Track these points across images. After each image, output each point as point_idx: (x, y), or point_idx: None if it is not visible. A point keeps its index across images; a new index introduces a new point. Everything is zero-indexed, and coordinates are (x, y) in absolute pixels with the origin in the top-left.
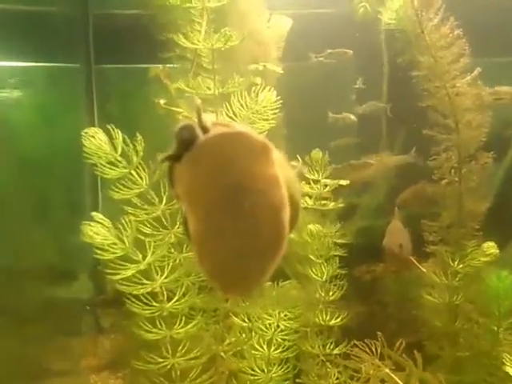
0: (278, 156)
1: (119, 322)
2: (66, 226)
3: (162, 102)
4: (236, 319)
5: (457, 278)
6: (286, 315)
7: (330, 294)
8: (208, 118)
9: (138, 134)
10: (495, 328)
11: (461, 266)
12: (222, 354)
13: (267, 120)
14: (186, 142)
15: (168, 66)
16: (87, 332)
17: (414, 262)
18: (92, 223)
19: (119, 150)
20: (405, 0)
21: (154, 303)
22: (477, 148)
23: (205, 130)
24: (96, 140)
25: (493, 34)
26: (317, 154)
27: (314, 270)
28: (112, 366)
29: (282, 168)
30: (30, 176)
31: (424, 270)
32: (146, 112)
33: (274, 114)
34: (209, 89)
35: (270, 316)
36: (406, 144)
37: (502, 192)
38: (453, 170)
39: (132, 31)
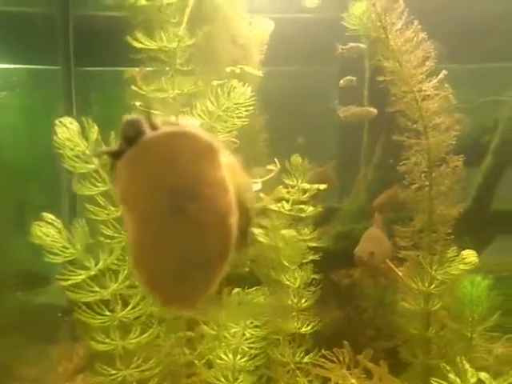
0: (230, 159)
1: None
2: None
3: (137, 103)
4: (201, 328)
5: (433, 285)
6: (252, 323)
7: (303, 301)
8: (158, 117)
9: (112, 133)
10: (468, 334)
11: (438, 272)
12: (186, 363)
13: (240, 118)
14: (131, 138)
15: (147, 68)
16: (62, 338)
17: (392, 267)
18: (42, 224)
19: (90, 143)
20: (367, 5)
21: (106, 312)
22: (447, 152)
23: (153, 127)
24: (69, 131)
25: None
26: (296, 158)
27: (286, 276)
28: (86, 372)
29: (233, 172)
30: (7, 179)
31: (401, 275)
32: (125, 114)
33: (247, 111)
34: (181, 90)
35: (236, 324)
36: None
37: (480, 196)
38: (423, 175)
39: (112, 33)
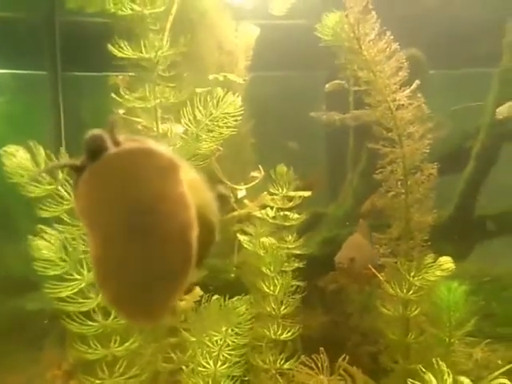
0: (192, 175)
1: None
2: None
3: (121, 111)
4: (181, 335)
5: (411, 291)
6: (233, 330)
7: (282, 308)
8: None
9: (61, 149)
10: (446, 339)
11: (416, 278)
12: (168, 370)
13: (228, 127)
14: (94, 153)
15: (132, 74)
16: (51, 344)
17: (375, 273)
18: (38, 237)
19: (41, 165)
20: (340, 16)
21: (90, 322)
22: (421, 160)
23: (116, 143)
24: (17, 159)
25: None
26: (281, 168)
27: (266, 283)
28: (75, 379)
29: (195, 188)
30: None
31: (382, 279)
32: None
33: (235, 120)
34: (166, 98)
35: (217, 332)
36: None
37: (463, 202)
38: (399, 183)
39: (99, 39)
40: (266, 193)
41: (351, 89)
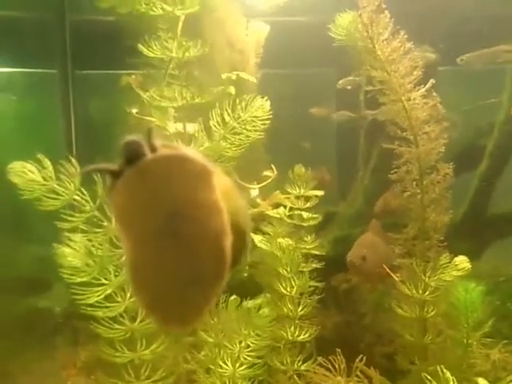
0: (225, 181)
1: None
2: (41, 235)
3: (134, 111)
4: (202, 336)
5: (427, 292)
6: (253, 331)
7: (299, 309)
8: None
9: (70, 157)
10: (464, 340)
11: (432, 279)
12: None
13: (256, 131)
14: (131, 158)
15: (144, 72)
16: (64, 343)
17: (389, 273)
18: (65, 245)
19: (52, 180)
20: (354, 16)
21: (116, 325)
22: (437, 159)
23: (153, 149)
24: (27, 175)
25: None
26: (299, 169)
27: (283, 284)
28: (89, 378)
29: (228, 194)
30: (4, 183)
31: (397, 279)
32: (122, 118)
33: (264, 124)
34: (185, 99)
35: (238, 334)
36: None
37: (477, 201)
38: (414, 183)
39: (110, 37)
40: (278, 192)
41: (363, 87)
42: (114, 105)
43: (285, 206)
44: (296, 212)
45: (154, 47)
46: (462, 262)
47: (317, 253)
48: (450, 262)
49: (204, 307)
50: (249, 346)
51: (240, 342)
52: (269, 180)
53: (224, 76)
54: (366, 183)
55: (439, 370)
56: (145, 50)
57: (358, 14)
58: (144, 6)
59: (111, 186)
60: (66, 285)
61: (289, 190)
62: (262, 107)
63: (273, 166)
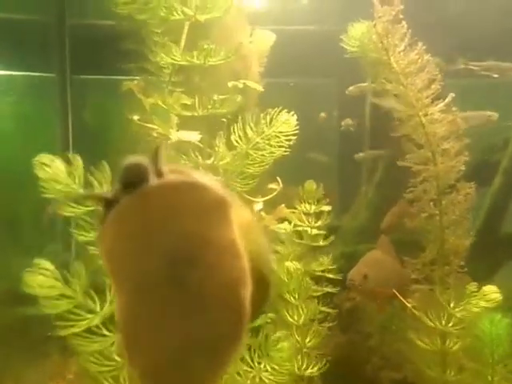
0: (245, 216)
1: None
2: (35, 243)
3: (135, 117)
4: None
5: (451, 323)
6: (270, 365)
7: (307, 340)
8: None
9: (103, 162)
10: (489, 377)
11: (457, 309)
12: None
13: (281, 147)
14: (130, 184)
15: (146, 78)
16: (53, 354)
17: (396, 294)
18: (35, 273)
19: (79, 181)
20: (367, 26)
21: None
22: (457, 178)
23: (159, 174)
24: (52, 169)
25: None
26: (310, 185)
27: (289, 311)
28: None
29: (249, 232)
30: (1, 188)
31: (408, 305)
32: (121, 125)
33: (289, 140)
34: (194, 109)
35: (251, 367)
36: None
37: (490, 219)
38: (432, 203)
39: (109, 42)
40: (283, 205)
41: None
42: (112, 110)
43: (290, 222)
44: (304, 229)
45: (173, 53)
46: (492, 291)
47: (331, 276)
48: (477, 292)
49: (213, 377)
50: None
51: (253, 377)
52: (274, 193)
53: (230, 84)
54: (370, 197)
55: None
56: (160, 55)
57: (373, 25)
58: (164, 10)
59: (103, 219)
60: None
61: (297, 205)
62: (287, 122)
63: (278, 178)
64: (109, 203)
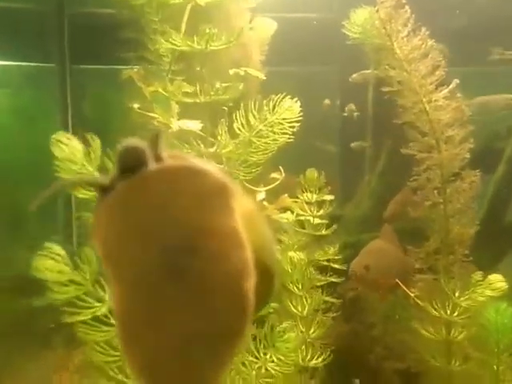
0: (247, 205)
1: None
2: (38, 234)
3: (135, 106)
4: None
5: (456, 312)
6: (275, 356)
7: (311, 330)
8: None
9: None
10: (494, 366)
11: (462, 299)
12: None
13: (284, 134)
14: (128, 169)
15: (146, 67)
16: (57, 346)
17: (399, 284)
18: (45, 257)
19: (95, 163)
20: (370, 12)
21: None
22: (462, 166)
23: (157, 159)
24: (69, 148)
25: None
26: (312, 173)
27: (293, 302)
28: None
29: (251, 222)
30: (1, 180)
31: (412, 294)
32: (121, 115)
33: (292, 127)
34: (197, 96)
35: (257, 358)
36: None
37: (494, 207)
38: (436, 191)
39: (109, 31)
40: (286, 195)
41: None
42: (112, 100)
43: (292, 211)
44: (306, 218)
45: (173, 38)
46: (497, 280)
47: (335, 266)
48: (482, 281)
49: (217, 371)
50: (267, 371)
51: (259, 368)
52: (276, 183)
53: (232, 72)
54: (373, 185)
55: None
56: (160, 41)
57: (376, 10)
58: None
59: (98, 206)
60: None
61: (299, 195)
62: (290, 108)
63: (280, 168)
64: (105, 189)
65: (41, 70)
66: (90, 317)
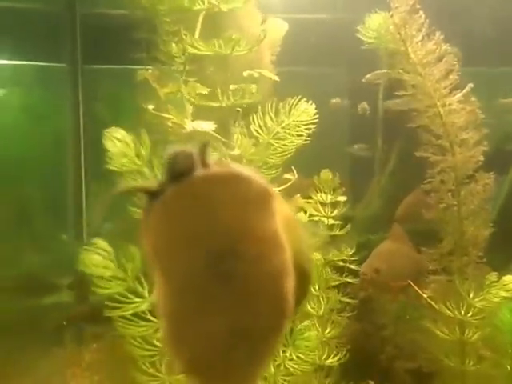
0: (286, 211)
1: (101, 333)
2: (48, 231)
3: (150, 107)
4: None
5: (470, 313)
6: (295, 354)
7: (327, 330)
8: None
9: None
10: (508, 367)
11: (477, 299)
12: None
13: (300, 136)
14: (178, 175)
15: (158, 68)
16: (69, 343)
17: (411, 285)
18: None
19: (145, 158)
20: (384, 17)
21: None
22: (475, 168)
23: (205, 166)
24: (122, 144)
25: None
26: (326, 174)
27: (310, 302)
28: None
29: (290, 228)
30: (9, 179)
31: (424, 295)
32: (132, 115)
33: (308, 129)
34: (219, 100)
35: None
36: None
37: (507, 208)
38: (450, 194)
39: (121, 31)
40: (298, 195)
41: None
42: (124, 100)
43: (305, 212)
44: (320, 219)
45: (194, 43)
46: (511, 281)
47: (353, 267)
48: (497, 281)
49: (257, 369)
50: (287, 369)
51: (278, 366)
52: (289, 183)
53: (245, 74)
54: (383, 185)
55: None
56: (182, 45)
57: (390, 15)
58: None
59: (147, 210)
60: (70, 285)
61: (313, 195)
62: (306, 111)
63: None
64: (154, 194)
65: (52, 70)
66: (130, 312)
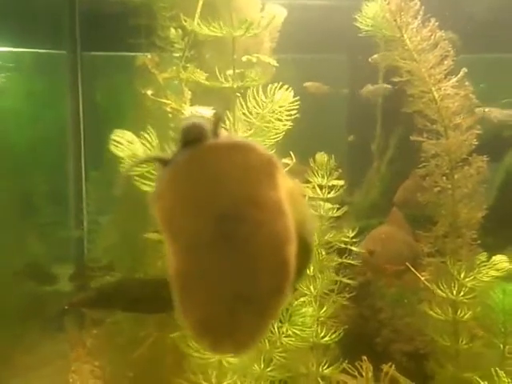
0: (290, 184)
1: (101, 318)
2: (49, 218)
3: (149, 92)
4: None
5: (461, 293)
6: (291, 331)
7: (323, 310)
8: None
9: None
10: (501, 346)
11: (467, 279)
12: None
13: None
14: (190, 143)
15: (157, 54)
16: (70, 328)
17: (408, 269)
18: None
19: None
20: (381, 5)
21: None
22: (469, 152)
23: (216, 135)
24: (130, 148)
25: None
26: (321, 156)
27: (306, 282)
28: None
29: (293, 199)
30: (11, 166)
31: (421, 278)
32: (131, 100)
33: (290, 115)
34: (227, 81)
35: (271, 332)
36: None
37: (503, 193)
38: (444, 177)
39: (120, 18)
40: (297, 180)
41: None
42: (123, 87)
43: (304, 196)
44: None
45: (211, 27)
46: (501, 261)
47: (354, 249)
48: (487, 261)
49: (261, 329)
50: (283, 345)
51: (274, 342)
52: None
53: (244, 58)
54: (382, 172)
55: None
56: (197, 27)
57: (387, 3)
58: None
59: (159, 177)
60: (71, 272)
61: (309, 179)
62: (285, 98)
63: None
64: (167, 162)
65: (52, 57)
66: None
